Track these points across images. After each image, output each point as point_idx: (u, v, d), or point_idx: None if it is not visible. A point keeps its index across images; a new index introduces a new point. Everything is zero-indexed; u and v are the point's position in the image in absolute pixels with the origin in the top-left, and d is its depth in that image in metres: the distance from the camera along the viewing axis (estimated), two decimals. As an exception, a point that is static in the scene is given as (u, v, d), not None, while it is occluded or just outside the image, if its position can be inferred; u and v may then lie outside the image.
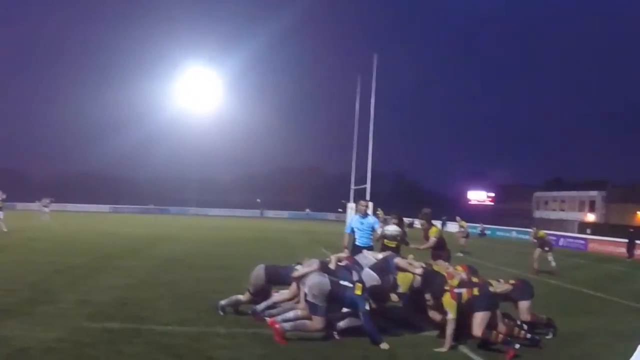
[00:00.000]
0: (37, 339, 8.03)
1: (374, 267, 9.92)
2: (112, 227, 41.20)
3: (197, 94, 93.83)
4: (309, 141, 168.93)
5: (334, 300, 8.95)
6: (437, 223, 57.29)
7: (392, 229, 12.60)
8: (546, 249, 21.07)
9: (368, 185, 45.50)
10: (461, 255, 27.52)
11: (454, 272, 9.79)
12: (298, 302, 9.66)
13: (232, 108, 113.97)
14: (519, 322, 9.60)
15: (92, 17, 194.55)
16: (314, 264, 9.70)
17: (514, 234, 53.34)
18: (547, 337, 9.81)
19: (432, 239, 13.39)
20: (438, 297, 9.11)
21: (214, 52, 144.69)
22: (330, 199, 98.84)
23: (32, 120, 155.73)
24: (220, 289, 12.67)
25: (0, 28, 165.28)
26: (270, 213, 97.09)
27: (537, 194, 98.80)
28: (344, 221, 46.86)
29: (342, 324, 9.20)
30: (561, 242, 43.73)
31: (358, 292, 8.91)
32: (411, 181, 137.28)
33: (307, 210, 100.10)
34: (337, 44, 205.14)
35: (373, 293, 9.34)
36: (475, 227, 54.39)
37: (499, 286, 9.66)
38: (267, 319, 9.28)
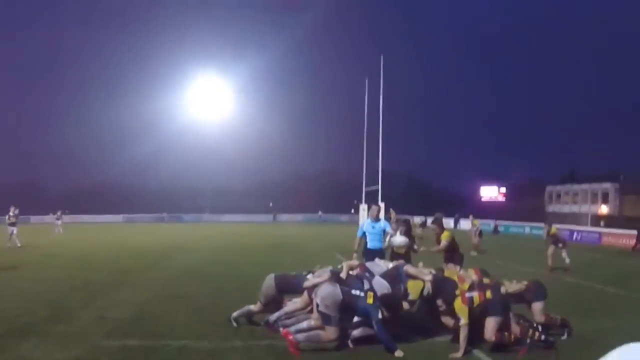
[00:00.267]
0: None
1: (384, 276, 9.95)
2: (127, 238, 41.36)
3: (209, 102, 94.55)
4: (322, 145, 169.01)
5: (346, 309, 9.01)
6: (450, 221, 57.93)
7: (399, 240, 12.64)
8: (560, 245, 20.96)
9: (379, 187, 45.62)
10: (475, 254, 27.52)
11: (465, 275, 9.85)
12: (311, 311, 9.71)
13: (243, 116, 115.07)
14: (534, 324, 9.60)
15: (104, 29, 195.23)
16: (325, 273, 9.77)
17: (527, 230, 53.12)
18: (562, 338, 9.79)
19: (444, 243, 13.53)
20: (449, 302, 9.16)
21: (224, 60, 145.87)
22: (343, 201, 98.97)
23: (46, 133, 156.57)
24: (235, 299, 12.70)
25: (16, 43, 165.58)
26: (283, 217, 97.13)
27: (550, 188, 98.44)
28: (357, 222, 46.90)
29: (355, 333, 9.26)
30: (575, 236, 43.56)
31: (370, 300, 8.95)
32: (423, 180, 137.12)
33: (320, 213, 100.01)
34: (345, 47, 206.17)
35: (384, 302, 9.39)
36: (489, 224, 54.32)
37: (512, 287, 9.69)
38: (281, 329, 9.35)
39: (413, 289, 9.67)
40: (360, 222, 14.88)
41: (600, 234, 42.83)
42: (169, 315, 11.52)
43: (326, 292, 8.93)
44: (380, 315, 8.88)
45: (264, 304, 10.46)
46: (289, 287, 10.43)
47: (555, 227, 22.19)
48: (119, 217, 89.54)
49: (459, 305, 8.92)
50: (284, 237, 44.94)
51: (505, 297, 9.32)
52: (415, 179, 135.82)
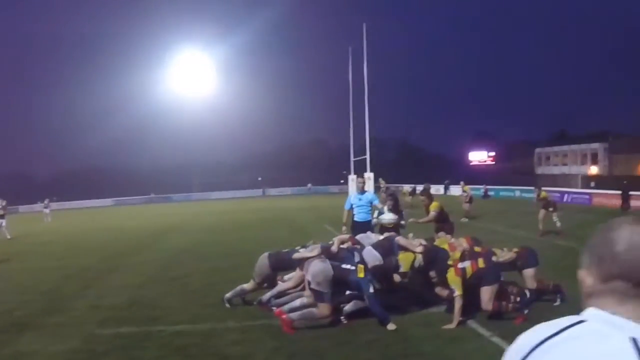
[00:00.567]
0: (53, 353, 8.18)
1: (376, 246, 9.95)
2: (117, 222, 41.33)
3: (193, 78, 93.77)
4: (309, 117, 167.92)
5: (338, 284, 9.03)
6: (440, 187, 58.08)
7: (387, 218, 12.63)
8: (550, 209, 21.04)
9: (367, 156, 45.59)
10: (466, 220, 27.60)
11: (456, 244, 9.87)
12: (303, 289, 9.73)
13: (229, 90, 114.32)
14: (521, 291, 9.59)
15: (83, 5, 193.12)
16: (316, 249, 9.79)
17: (517, 194, 53.17)
18: (555, 304, 9.84)
19: (432, 214, 13.60)
20: (442, 273, 9.18)
21: (207, 35, 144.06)
22: (332, 172, 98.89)
23: (28, 120, 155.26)
24: (228, 278, 12.73)
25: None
26: (273, 191, 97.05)
27: (539, 149, 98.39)
28: (346, 193, 46.96)
29: (348, 307, 9.29)
30: (565, 198, 43.65)
31: (361, 274, 8.95)
32: (415, 146, 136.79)
33: (309, 185, 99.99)
34: (328, 17, 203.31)
35: (376, 273, 9.41)
36: (479, 189, 54.40)
37: (503, 255, 9.71)
38: (275, 308, 9.37)
39: (404, 260, 9.68)
40: (350, 193, 15.01)
41: (590, 195, 42.95)
42: (162, 299, 11.55)
43: (317, 269, 8.93)
44: (372, 289, 8.89)
45: (258, 283, 10.48)
46: (282, 264, 10.45)
47: (545, 191, 22.27)
48: (108, 201, 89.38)
49: (452, 277, 8.93)
50: (273, 210, 45.08)
51: (497, 265, 9.34)
52: (405, 145, 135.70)
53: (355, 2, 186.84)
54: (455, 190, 51.77)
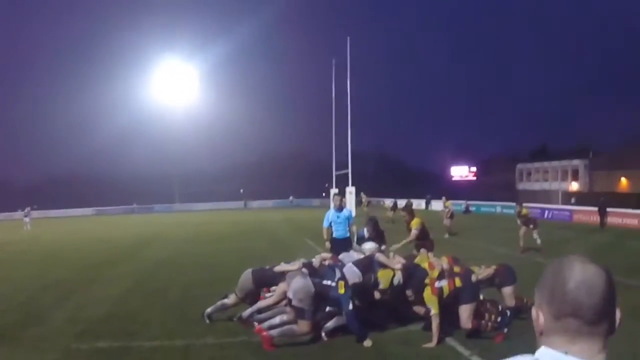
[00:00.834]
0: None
1: (357, 264, 9.96)
2: (97, 232, 40.88)
3: (176, 87, 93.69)
4: (292, 128, 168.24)
5: (319, 300, 9.02)
6: (422, 202, 58.21)
7: (368, 247, 12.63)
8: (531, 226, 21.16)
9: (349, 171, 45.60)
10: (447, 236, 27.65)
11: (436, 262, 9.89)
12: (286, 304, 9.70)
13: (211, 100, 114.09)
14: (500, 309, 9.62)
15: (65, 15, 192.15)
16: (297, 263, 9.80)
17: (499, 209, 53.43)
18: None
19: (414, 232, 13.63)
20: (419, 292, 9.20)
21: (189, 45, 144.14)
22: (314, 184, 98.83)
23: (7, 126, 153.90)
24: (208, 292, 12.65)
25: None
26: (255, 204, 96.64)
27: (520, 165, 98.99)
28: (328, 206, 46.93)
29: (329, 324, 9.27)
30: (546, 214, 43.92)
31: (341, 290, 8.96)
32: (395, 160, 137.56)
33: (291, 198, 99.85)
34: (312, 29, 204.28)
35: (356, 290, 9.41)
36: (460, 205, 54.56)
37: (481, 272, 9.74)
38: (256, 324, 9.33)
39: (383, 277, 9.69)
40: (331, 207, 15.25)
41: (571, 211, 43.24)
42: (141, 313, 11.47)
43: (298, 286, 8.92)
44: (351, 305, 8.90)
45: (240, 298, 10.43)
46: (266, 280, 10.44)
47: (526, 208, 22.37)
48: (89, 210, 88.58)
49: (429, 295, 8.95)
50: (255, 223, 44.90)
51: (475, 284, 9.37)
52: (387, 158, 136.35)
53: (339, 14, 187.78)
54: (437, 205, 51.88)
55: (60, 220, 67.36)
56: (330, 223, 14.03)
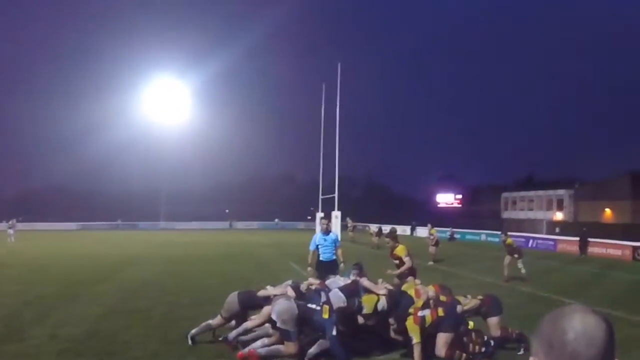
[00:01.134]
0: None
1: (343, 289, 9.96)
2: (81, 248, 40.54)
3: (166, 105, 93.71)
4: (280, 151, 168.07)
5: (303, 323, 9.00)
6: (407, 228, 58.30)
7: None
8: (516, 255, 21.20)
9: (336, 196, 45.55)
10: (432, 264, 27.66)
11: (422, 290, 9.88)
12: (271, 327, 9.65)
13: (201, 119, 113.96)
14: (484, 339, 9.62)
15: (58, 29, 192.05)
16: (283, 286, 9.80)
17: (483, 237, 53.68)
18: (519, 353, 9.88)
19: (407, 259, 13.55)
20: (401, 320, 9.18)
21: (181, 64, 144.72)
22: (300, 208, 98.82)
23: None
24: (192, 314, 12.64)
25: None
26: (240, 224, 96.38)
27: (505, 194, 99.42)
28: (314, 230, 46.77)
29: (312, 350, 9.22)
30: (530, 243, 44.15)
31: (325, 315, 8.96)
32: (382, 185, 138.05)
33: (277, 220, 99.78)
34: (303, 53, 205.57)
35: (340, 315, 9.38)
36: (445, 232, 54.67)
37: (467, 302, 9.76)
38: (240, 347, 9.27)
39: (367, 302, 9.69)
40: (317, 231, 15.47)
41: (555, 241, 43.45)
42: (122, 332, 11.34)
43: (282, 308, 8.91)
44: (335, 330, 8.87)
45: (225, 318, 10.38)
46: (252, 302, 10.44)
47: (510, 238, 22.42)
48: (73, 225, 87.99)
49: (411, 324, 8.95)
50: (240, 245, 44.67)
51: (460, 314, 9.36)
52: (373, 184, 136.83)
53: (330, 39, 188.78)
54: (422, 231, 51.95)
55: (45, 233, 66.73)
56: (317, 246, 14.36)
